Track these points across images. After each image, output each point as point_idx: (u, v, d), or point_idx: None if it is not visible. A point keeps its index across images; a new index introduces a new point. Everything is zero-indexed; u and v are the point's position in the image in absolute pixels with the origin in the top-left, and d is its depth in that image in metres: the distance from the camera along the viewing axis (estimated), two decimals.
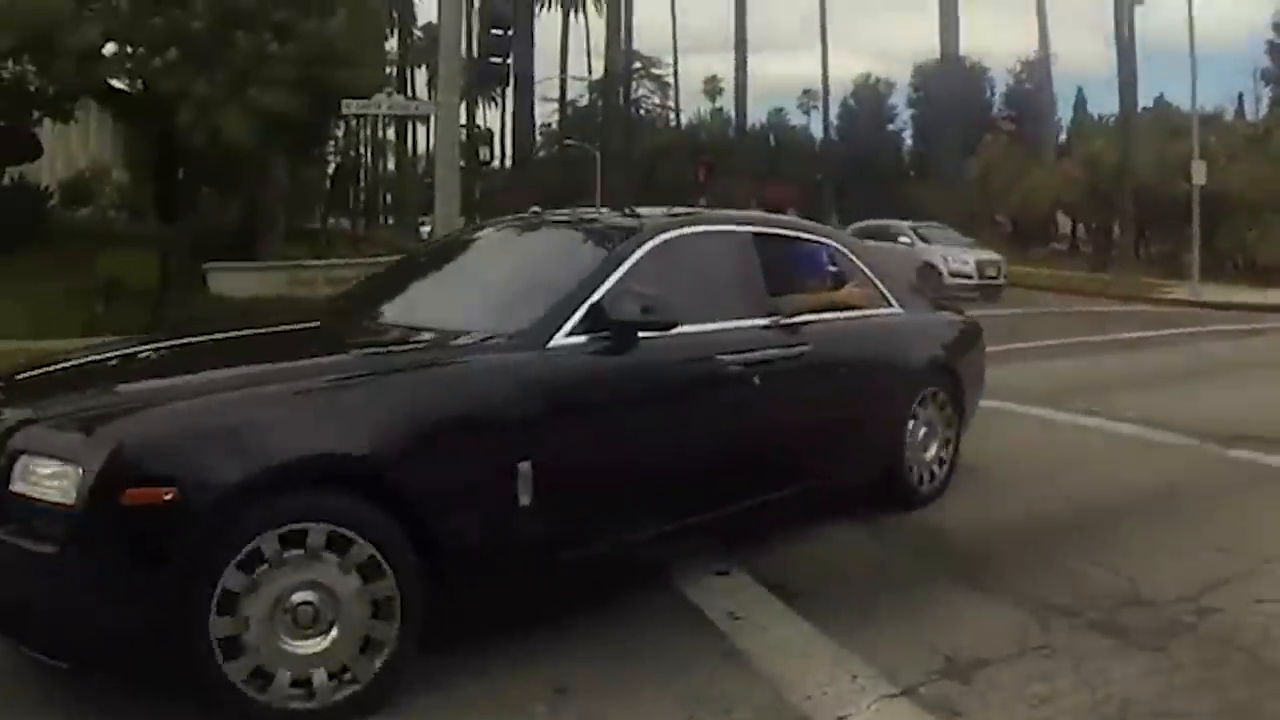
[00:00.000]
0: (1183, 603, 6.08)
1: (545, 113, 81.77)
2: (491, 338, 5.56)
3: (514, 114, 70.33)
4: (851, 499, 7.95)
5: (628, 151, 67.60)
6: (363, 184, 65.30)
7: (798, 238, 8.05)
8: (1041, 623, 5.73)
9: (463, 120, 50.43)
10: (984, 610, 5.91)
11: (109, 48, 21.88)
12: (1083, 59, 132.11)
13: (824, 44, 68.65)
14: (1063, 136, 74.61)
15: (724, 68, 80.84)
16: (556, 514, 5.36)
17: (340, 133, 41.94)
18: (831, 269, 8.11)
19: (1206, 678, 5.07)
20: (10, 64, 21.42)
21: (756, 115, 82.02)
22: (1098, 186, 50.57)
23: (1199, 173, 36.54)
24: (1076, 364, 17.66)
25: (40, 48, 20.28)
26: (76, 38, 20.14)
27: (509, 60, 19.70)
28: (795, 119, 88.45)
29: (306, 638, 4.50)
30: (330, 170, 46.00)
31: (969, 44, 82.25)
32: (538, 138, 76.63)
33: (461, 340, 5.62)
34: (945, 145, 51.28)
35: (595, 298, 5.77)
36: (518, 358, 5.42)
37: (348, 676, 4.60)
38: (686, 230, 6.82)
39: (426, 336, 5.82)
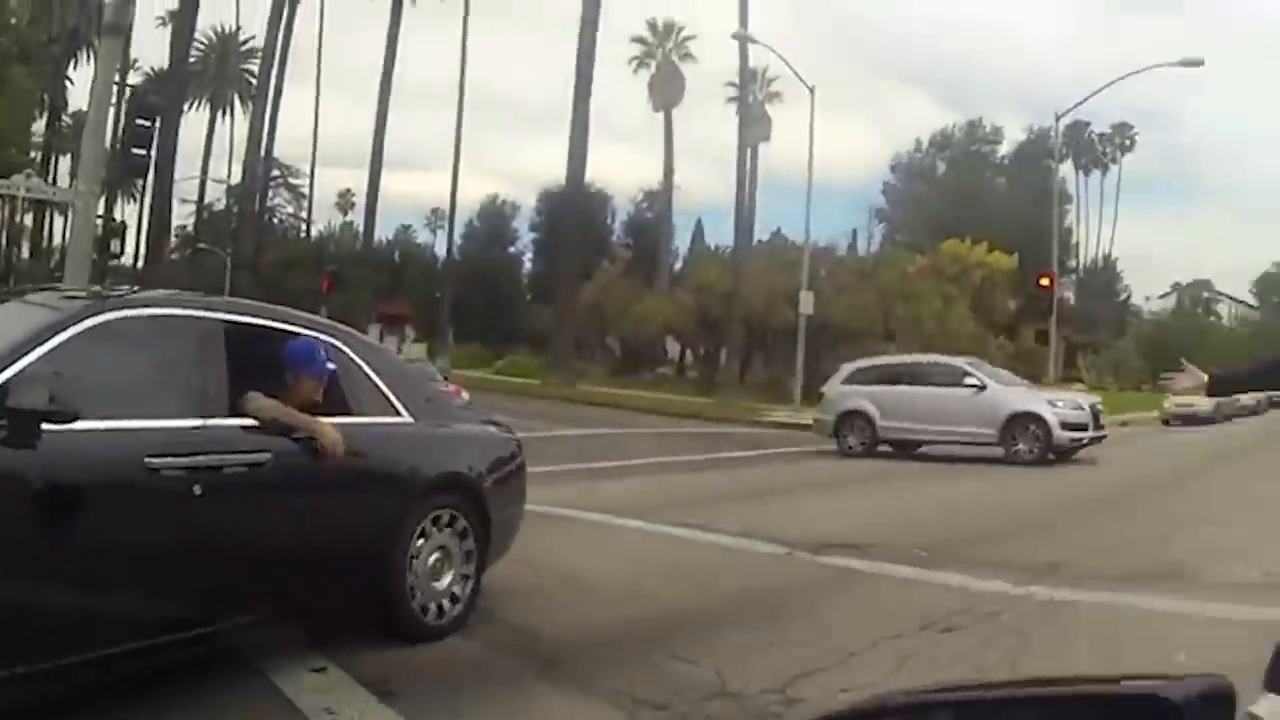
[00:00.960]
0: (769, 694, 6.25)
1: (183, 214, 79.88)
2: None
3: (151, 211, 68.29)
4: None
5: (257, 259, 66.57)
6: None
7: (285, 331, 7.02)
8: (631, 716, 5.77)
9: (101, 211, 48.60)
10: (577, 707, 5.92)
11: None
12: (707, 189, 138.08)
13: (455, 167, 68.83)
14: (679, 265, 77.61)
15: (358, 182, 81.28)
16: None
17: None
18: (324, 369, 6.93)
19: None
20: None
21: (386, 230, 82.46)
22: (708, 314, 52.69)
23: (806, 303, 38.90)
24: (680, 479, 18.27)
25: None
26: None
27: (150, 153, 19.06)
28: (423, 236, 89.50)
29: None
30: None
31: (597, 171, 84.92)
32: (173, 238, 74.54)
33: None
34: (565, 269, 52.29)
35: None
36: None
37: None
38: (135, 313, 6.12)
39: None
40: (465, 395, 23.02)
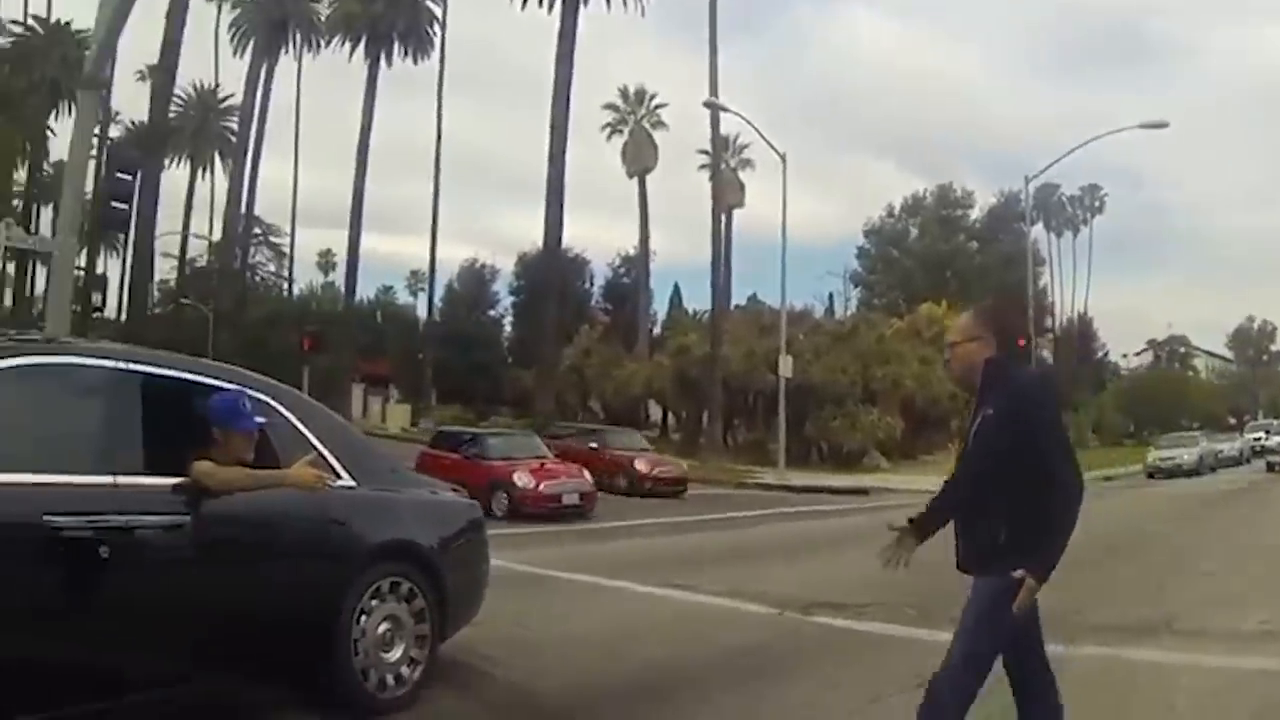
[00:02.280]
0: None
1: (164, 268, 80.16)
2: None
3: (132, 265, 68.21)
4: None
5: (239, 315, 66.56)
6: None
7: (211, 386, 6.62)
8: None
9: (82, 263, 48.38)
10: None
11: None
12: (683, 252, 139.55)
13: (434, 229, 69.45)
14: (657, 328, 77.83)
15: (338, 242, 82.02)
16: None
17: None
18: (251, 424, 6.50)
19: None
20: None
21: (366, 290, 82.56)
22: (688, 376, 52.79)
23: (786, 366, 39.09)
24: (666, 542, 18.45)
25: None
26: None
27: (131, 206, 19.07)
28: (403, 297, 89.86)
29: None
30: None
31: (575, 236, 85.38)
32: (155, 293, 74.54)
33: None
34: (544, 332, 52.30)
35: None
36: None
37: None
38: (39, 360, 5.82)
39: None
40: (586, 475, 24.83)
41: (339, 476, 6.96)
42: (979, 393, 5.29)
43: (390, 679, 6.99)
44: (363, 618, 6.82)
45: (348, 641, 6.70)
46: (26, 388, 5.54)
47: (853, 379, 47.63)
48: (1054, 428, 5.07)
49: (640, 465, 31.80)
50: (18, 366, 5.54)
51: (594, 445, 32.49)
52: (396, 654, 7.03)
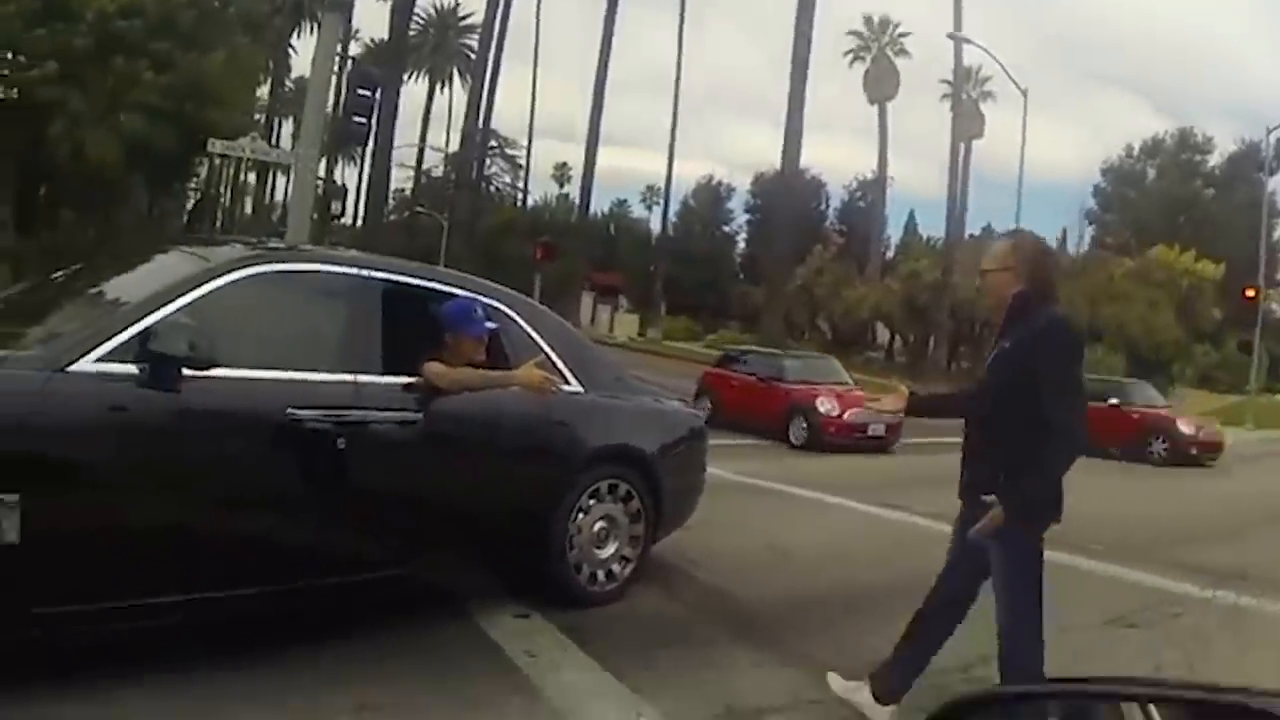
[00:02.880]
0: (952, 673, 6.30)
1: (400, 178, 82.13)
2: (6, 351, 5.04)
3: (370, 175, 70.07)
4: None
5: (473, 224, 67.80)
6: (219, 224, 64.55)
7: (445, 292, 6.93)
8: (813, 679, 5.97)
9: (321, 174, 50.05)
10: (762, 666, 6.08)
11: None
12: (919, 182, 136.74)
13: (671, 146, 70.14)
14: (890, 253, 77.10)
15: (574, 156, 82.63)
16: (50, 560, 4.79)
17: (203, 170, 41.61)
18: (482, 329, 6.77)
19: None
20: None
21: (600, 204, 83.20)
22: (916, 302, 52.46)
23: None
24: (882, 463, 18.87)
25: None
26: None
27: (371, 121, 19.79)
28: (637, 211, 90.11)
29: None
30: (189, 205, 45.32)
31: (811, 158, 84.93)
32: (390, 201, 76.44)
33: None
34: (776, 251, 52.25)
35: (141, 326, 5.12)
36: (17, 374, 4.83)
37: None
38: (287, 267, 6.20)
39: None
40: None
41: (566, 381, 7.19)
42: (1002, 326, 5.34)
43: (602, 575, 7.39)
44: (580, 516, 7.18)
45: (564, 537, 7.09)
46: (276, 292, 5.97)
47: (1080, 317, 46.67)
48: (1062, 372, 5.04)
49: (1184, 428, 25.79)
50: (268, 273, 5.94)
51: (1114, 401, 25.16)
52: (609, 551, 7.41)
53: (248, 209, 79.90)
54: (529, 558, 7.09)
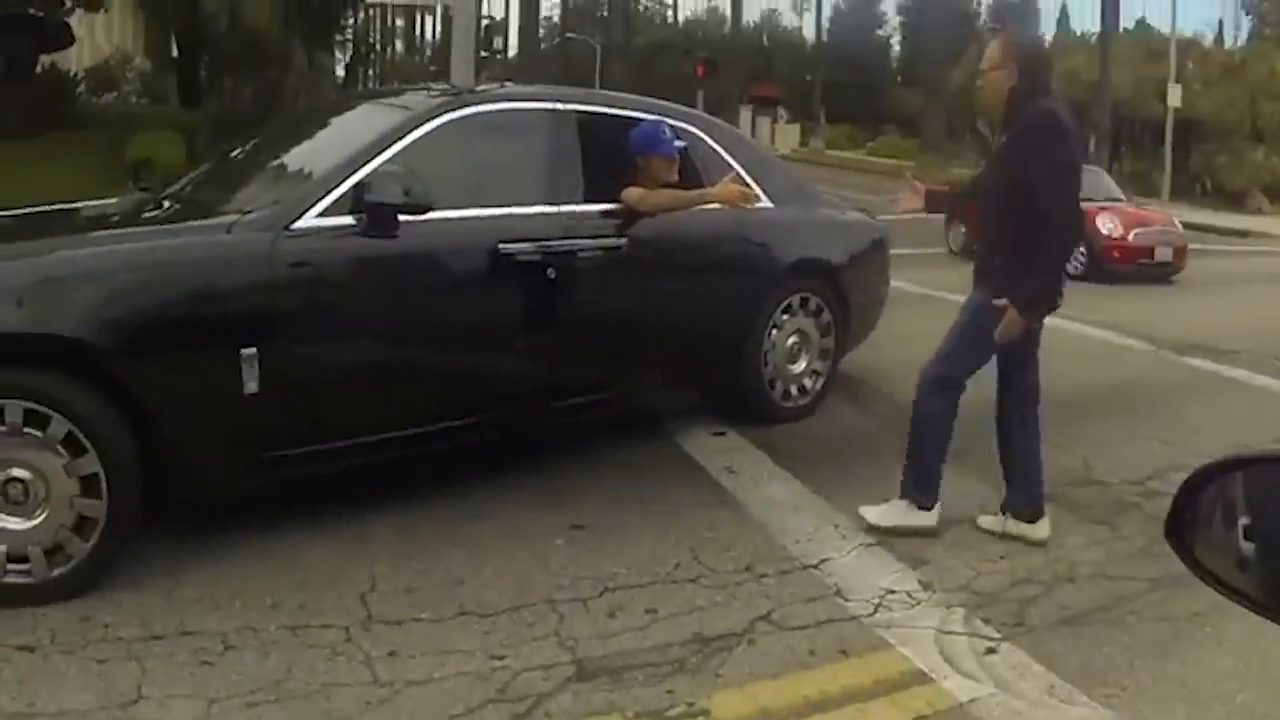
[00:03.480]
0: (1130, 485, 6.62)
1: (547, 6, 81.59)
2: (233, 216, 5.23)
3: (521, 6, 69.93)
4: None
5: (627, 46, 67.17)
6: (374, 71, 65.10)
7: (633, 118, 6.96)
8: (1001, 491, 6.02)
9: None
10: (954, 479, 6.15)
11: None
12: None
13: None
14: None
15: None
16: (287, 405, 5.08)
17: (355, 20, 41.87)
18: (673, 149, 6.75)
19: (1148, 550, 5.50)
20: None
21: (751, 14, 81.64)
22: (1075, 101, 50.99)
23: (1174, 96, 37.33)
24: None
25: None
26: None
27: None
28: (788, 20, 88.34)
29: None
30: (345, 57, 45.81)
31: None
32: (539, 29, 76.34)
33: (202, 220, 5.48)
34: (931, 53, 51.18)
35: (355, 179, 5.33)
36: (246, 237, 5.05)
37: None
38: (484, 108, 6.37)
39: (192, 217, 5.72)
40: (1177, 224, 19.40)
41: (758, 198, 7.11)
42: (1002, 122, 5.46)
43: (794, 389, 7.63)
44: (773, 331, 7.38)
45: (759, 353, 7.31)
46: (476, 133, 6.13)
47: (1240, 114, 44.87)
48: (1052, 162, 5.17)
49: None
50: (468, 115, 6.13)
51: None
52: (801, 366, 7.63)
53: (398, 50, 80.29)
54: (726, 375, 7.28)
